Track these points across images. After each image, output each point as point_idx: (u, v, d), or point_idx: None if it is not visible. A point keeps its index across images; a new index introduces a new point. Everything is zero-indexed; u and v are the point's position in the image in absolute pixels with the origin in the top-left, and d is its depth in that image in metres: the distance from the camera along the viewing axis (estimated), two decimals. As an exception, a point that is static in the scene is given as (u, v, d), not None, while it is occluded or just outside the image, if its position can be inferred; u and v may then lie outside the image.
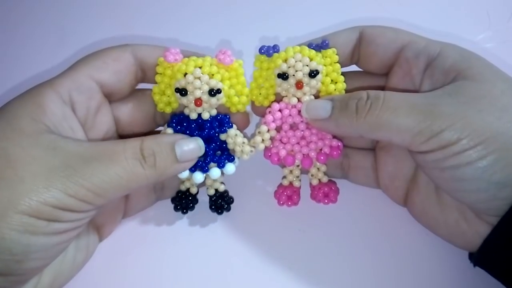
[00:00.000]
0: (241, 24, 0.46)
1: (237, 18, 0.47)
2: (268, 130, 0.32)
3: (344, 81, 0.32)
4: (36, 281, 0.27)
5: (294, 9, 0.47)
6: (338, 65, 0.31)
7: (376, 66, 0.33)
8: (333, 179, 0.35)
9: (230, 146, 0.32)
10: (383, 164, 0.33)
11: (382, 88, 0.33)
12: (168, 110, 0.32)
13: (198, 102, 0.30)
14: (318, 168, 0.33)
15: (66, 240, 0.26)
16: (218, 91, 0.30)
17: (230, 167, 0.31)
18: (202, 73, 0.30)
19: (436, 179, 0.28)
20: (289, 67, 0.30)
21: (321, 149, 0.32)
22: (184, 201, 0.33)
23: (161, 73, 0.31)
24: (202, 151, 0.30)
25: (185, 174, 0.31)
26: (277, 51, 0.31)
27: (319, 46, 0.31)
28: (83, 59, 0.30)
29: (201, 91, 0.30)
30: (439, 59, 0.29)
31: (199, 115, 0.31)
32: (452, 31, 0.43)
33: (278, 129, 0.32)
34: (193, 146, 0.29)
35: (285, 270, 0.32)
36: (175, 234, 0.34)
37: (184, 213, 0.33)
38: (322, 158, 0.32)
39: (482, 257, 0.28)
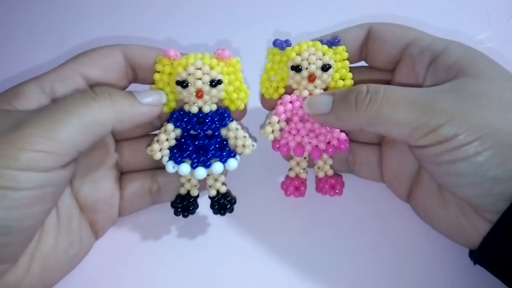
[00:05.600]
0: (242, 24, 0.47)
1: (242, 16, 0.47)
2: (278, 121, 0.32)
3: (352, 78, 0.32)
4: (25, 270, 0.27)
5: (303, 7, 0.47)
6: (347, 62, 0.32)
7: (382, 62, 0.33)
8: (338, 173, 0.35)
9: (231, 141, 0.32)
10: (388, 159, 0.34)
11: (388, 83, 0.33)
12: (166, 110, 0.31)
13: (199, 93, 0.30)
14: (324, 161, 0.34)
15: (32, 216, 0.24)
16: (219, 81, 0.30)
17: (232, 163, 0.31)
18: (203, 64, 0.30)
19: (433, 173, 0.28)
20: (302, 60, 0.31)
21: (329, 142, 0.33)
22: (185, 204, 0.32)
23: (159, 71, 0.31)
24: (164, 100, 0.30)
25: (186, 171, 0.31)
26: (290, 45, 0.31)
27: (330, 42, 0.32)
28: (72, 57, 0.30)
29: (202, 82, 0.30)
30: (442, 56, 0.29)
31: (200, 110, 0.31)
32: (452, 31, 0.44)
33: (288, 121, 0.33)
34: (155, 96, 0.30)
35: (285, 267, 0.32)
36: (175, 236, 0.34)
37: (185, 216, 0.32)
38: (330, 150, 0.33)
39: (482, 254, 0.28)
